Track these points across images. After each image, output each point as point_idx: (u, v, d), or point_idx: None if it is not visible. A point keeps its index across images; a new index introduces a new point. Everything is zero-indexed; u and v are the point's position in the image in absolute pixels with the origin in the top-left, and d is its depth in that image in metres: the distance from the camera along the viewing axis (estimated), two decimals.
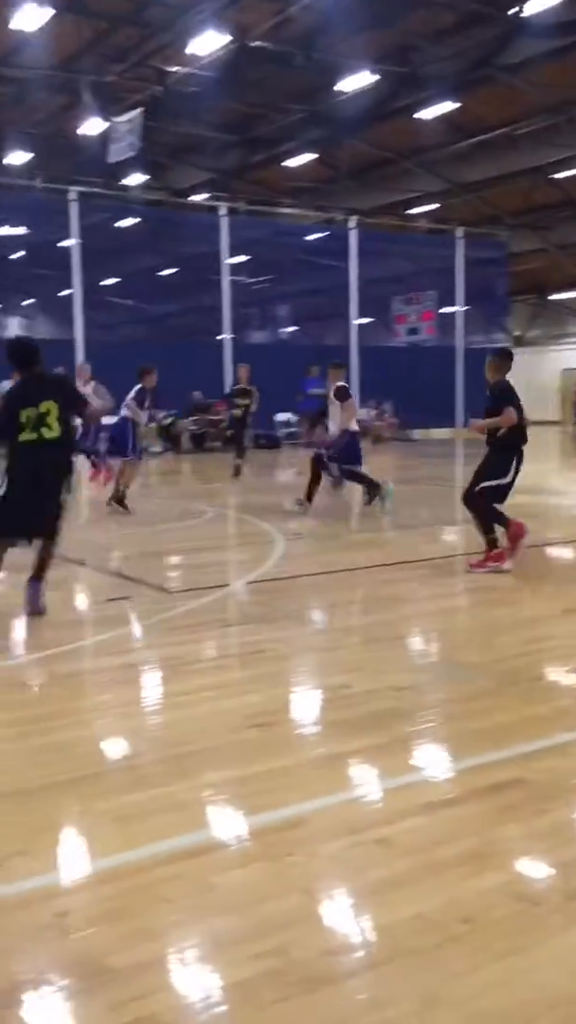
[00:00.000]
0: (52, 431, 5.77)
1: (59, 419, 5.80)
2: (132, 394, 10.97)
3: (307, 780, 3.41)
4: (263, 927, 2.45)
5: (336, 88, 21.45)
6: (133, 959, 2.33)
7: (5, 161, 23.84)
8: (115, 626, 5.78)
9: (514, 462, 7.02)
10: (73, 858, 2.88)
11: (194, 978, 2.26)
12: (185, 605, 6.17)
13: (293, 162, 26.75)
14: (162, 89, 20.91)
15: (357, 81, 20.94)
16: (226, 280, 24.61)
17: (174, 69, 20.55)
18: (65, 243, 23.28)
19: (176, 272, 31.04)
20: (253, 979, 2.23)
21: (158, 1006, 2.16)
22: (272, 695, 4.46)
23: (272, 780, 3.39)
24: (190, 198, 28.28)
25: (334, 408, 10.60)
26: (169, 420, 22.04)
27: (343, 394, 10.62)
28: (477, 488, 7.03)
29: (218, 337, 24.89)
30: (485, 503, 7.05)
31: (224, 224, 24.30)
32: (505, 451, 7.02)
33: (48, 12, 17.19)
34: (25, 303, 39.65)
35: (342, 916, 2.54)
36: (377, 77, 20.74)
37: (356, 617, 6.21)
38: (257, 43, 19.68)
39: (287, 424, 23.74)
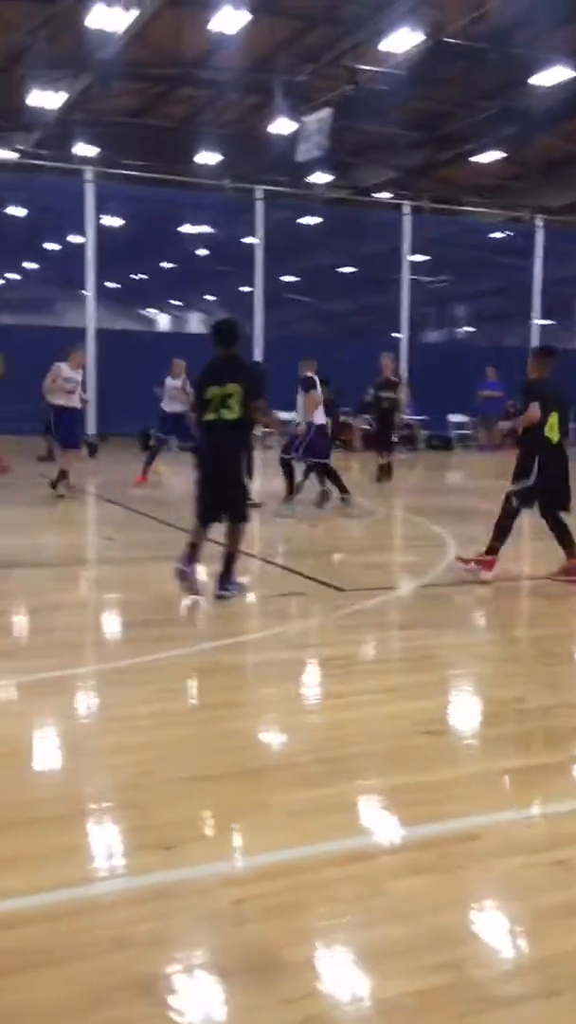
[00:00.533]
0: (232, 412, 5.92)
1: (241, 403, 5.92)
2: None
3: (479, 793, 3.35)
4: (437, 939, 2.42)
5: (530, 83, 20.90)
6: (306, 955, 2.36)
7: (196, 160, 24.55)
8: (287, 621, 5.87)
9: (536, 464, 6.59)
10: (249, 848, 2.94)
11: (366, 983, 2.26)
12: (356, 605, 6.19)
13: (480, 159, 26.26)
14: (352, 88, 20.97)
15: (553, 76, 20.32)
16: (406, 278, 24.48)
17: (366, 68, 20.57)
18: (248, 240, 23.80)
19: (355, 270, 31.13)
20: (429, 991, 2.21)
21: (329, 1006, 2.17)
22: (442, 702, 4.41)
23: (443, 790, 3.35)
24: (373, 196, 28.28)
25: (299, 399, 10.43)
26: (343, 418, 22.12)
27: (307, 384, 10.32)
28: (507, 492, 6.76)
29: (394, 335, 24.79)
30: (509, 507, 6.71)
31: (407, 222, 24.18)
32: (527, 452, 6.69)
33: (246, 15, 17.56)
34: (206, 298, 40.83)
35: (518, 937, 2.48)
36: (573, 72, 20.06)
37: (531, 628, 6.05)
38: (450, 39, 19.43)
39: (460, 426, 23.36)
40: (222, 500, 6.09)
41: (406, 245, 24.21)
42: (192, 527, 6.14)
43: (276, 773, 3.51)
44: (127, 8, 16.18)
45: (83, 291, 22.31)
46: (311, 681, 4.75)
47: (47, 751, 3.78)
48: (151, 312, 45.85)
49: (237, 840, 3.00)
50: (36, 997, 2.16)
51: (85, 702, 4.40)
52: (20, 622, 5.99)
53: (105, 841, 2.97)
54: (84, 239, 21.77)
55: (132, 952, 2.34)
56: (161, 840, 2.92)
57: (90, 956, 2.32)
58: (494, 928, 2.52)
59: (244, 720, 4.10)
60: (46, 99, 20.14)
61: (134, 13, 16.45)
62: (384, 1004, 2.18)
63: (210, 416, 5.95)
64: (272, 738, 3.97)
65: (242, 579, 6.26)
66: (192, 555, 6.02)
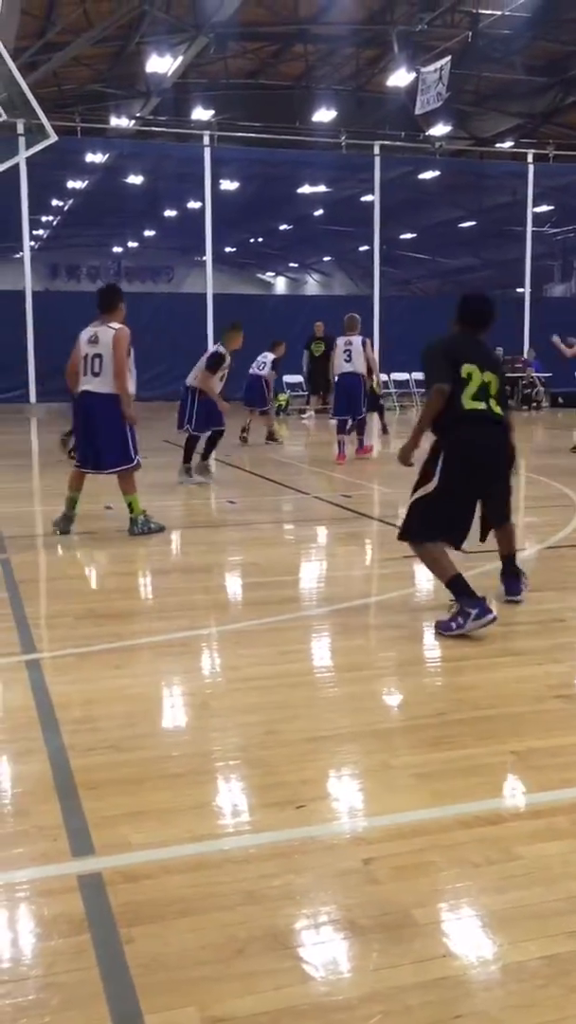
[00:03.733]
0: (498, 408, 4.86)
1: (498, 398, 4.89)
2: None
3: None
4: (571, 904, 2.37)
5: None
6: (438, 916, 2.35)
7: (312, 119, 24.27)
8: (410, 582, 5.81)
9: None
10: (376, 808, 2.93)
11: (500, 945, 2.23)
12: (481, 567, 6.07)
13: None
14: (472, 34, 20.28)
15: None
16: (529, 231, 23.70)
17: (486, 12, 19.85)
18: (366, 199, 23.44)
19: (475, 224, 30.32)
20: (565, 956, 2.16)
21: (463, 968, 2.15)
22: (574, 666, 4.29)
23: None
24: (495, 146, 27.39)
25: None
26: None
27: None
28: None
29: (518, 290, 24.10)
30: None
31: (530, 172, 23.35)
32: None
33: None
34: (323, 259, 40.55)
35: None
36: None
37: None
38: None
39: None
40: (497, 514, 5.27)
41: (530, 195, 23.40)
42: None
43: (403, 735, 3.49)
44: None
45: (201, 257, 22.50)
46: (442, 644, 4.69)
47: (177, 709, 3.86)
48: (269, 275, 45.90)
49: (365, 800, 3.00)
50: (172, 946, 2.21)
51: (212, 663, 4.47)
52: (147, 583, 6.12)
53: (235, 797, 3.02)
54: (202, 204, 21.90)
55: (265, 906, 2.38)
56: (290, 798, 2.94)
57: (224, 908, 2.37)
58: None
59: (369, 682, 4.09)
60: (163, 65, 20.25)
61: None
62: (517, 968, 2.15)
63: (476, 405, 4.80)
64: (398, 700, 3.95)
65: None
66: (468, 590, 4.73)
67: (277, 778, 3.11)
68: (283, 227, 34.05)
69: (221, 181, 22.89)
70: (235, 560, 6.77)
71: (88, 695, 3.87)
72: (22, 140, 18.19)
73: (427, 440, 4.95)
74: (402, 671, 4.27)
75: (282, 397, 20.99)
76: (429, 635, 4.79)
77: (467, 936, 2.28)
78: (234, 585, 6.15)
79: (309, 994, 2.06)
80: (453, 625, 4.64)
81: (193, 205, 23.97)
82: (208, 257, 22.08)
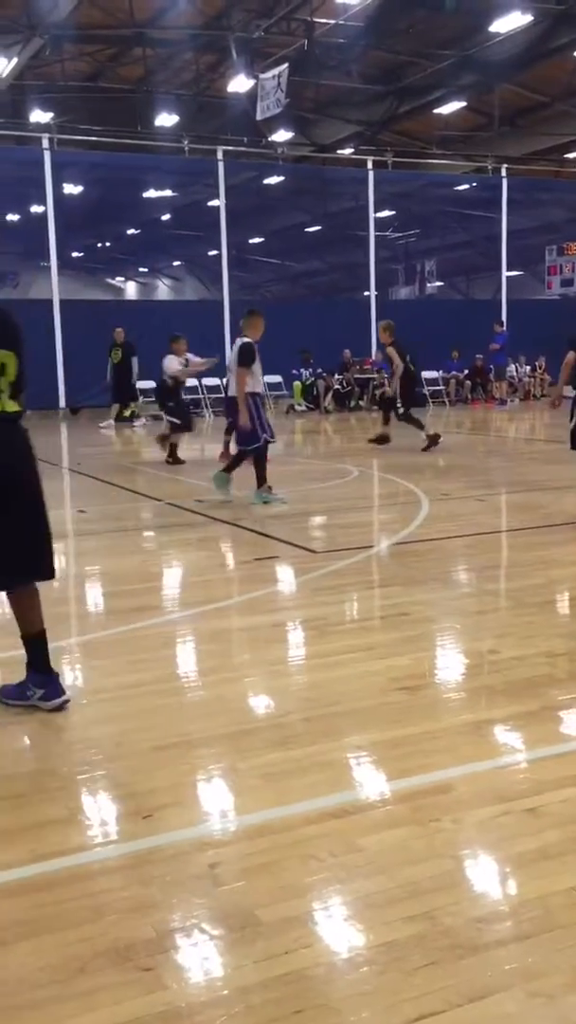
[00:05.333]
0: (12, 403, 3.81)
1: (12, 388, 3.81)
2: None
3: (455, 745, 3.37)
4: (411, 891, 2.45)
5: (489, 30, 20.65)
6: (282, 914, 2.38)
7: (155, 123, 24.16)
8: (262, 585, 5.87)
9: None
10: (223, 811, 2.95)
11: (342, 936, 2.29)
12: (331, 566, 6.20)
13: (443, 110, 26.01)
14: (308, 42, 20.64)
15: (511, 22, 20.12)
16: (372, 235, 24.31)
17: (321, 20, 20.24)
18: (212, 203, 23.50)
19: (321, 229, 30.88)
20: (401, 941, 2.24)
21: (306, 962, 2.20)
22: (418, 658, 4.43)
23: (419, 744, 3.38)
24: (336, 152, 27.96)
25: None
26: (311, 380, 22.06)
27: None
28: None
29: (364, 293, 24.67)
30: None
31: (371, 178, 23.95)
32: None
33: None
34: (173, 264, 40.40)
35: (491, 885, 2.51)
36: (531, 17, 19.84)
37: (504, 581, 6.08)
38: None
39: (434, 382, 23.33)
40: None
41: (371, 200, 24.00)
42: None
43: (251, 736, 3.53)
44: None
45: (46, 262, 22.01)
46: (289, 643, 4.76)
47: (23, 726, 3.76)
48: (118, 280, 45.36)
49: (212, 804, 3.01)
50: (11, 971, 2.17)
51: (65, 676, 4.38)
52: None
53: (82, 813, 2.98)
54: (44, 208, 21.43)
55: (110, 920, 2.36)
56: (138, 809, 2.93)
57: (68, 927, 2.34)
58: (468, 877, 2.55)
59: (220, 686, 4.11)
60: None
61: None
62: (356, 957, 2.20)
63: None
64: (247, 702, 3.98)
65: None
66: None
67: (126, 790, 3.09)
68: (131, 231, 33.76)
69: (64, 185, 22.46)
70: (83, 570, 6.67)
71: None
72: None
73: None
74: (252, 673, 4.31)
75: (133, 404, 20.77)
76: (279, 636, 4.86)
77: (311, 931, 2.32)
78: (85, 595, 6.06)
79: (152, 1004, 2.06)
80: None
81: (36, 209, 23.43)
82: (53, 263, 21.63)
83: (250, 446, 8.64)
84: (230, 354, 8.85)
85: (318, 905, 2.42)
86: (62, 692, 3.81)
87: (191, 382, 16.55)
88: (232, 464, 8.99)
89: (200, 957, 2.22)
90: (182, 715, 3.77)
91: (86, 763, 3.30)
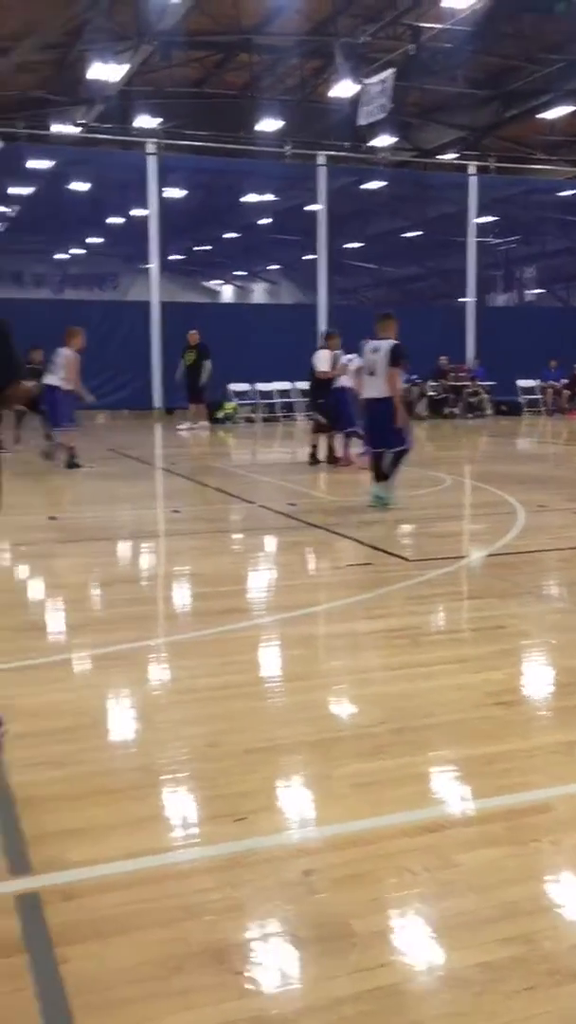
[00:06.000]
0: None
1: None
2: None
3: (553, 764, 3.30)
4: (508, 912, 2.40)
5: None
6: (376, 926, 2.36)
7: (257, 129, 24.35)
8: (354, 591, 5.85)
9: None
10: (316, 819, 2.94)
11: (436, 954, 2.26)
12: (424, 575, 6.14)
13: (548, 115, 25.52)
14: (415, 47, 20.52)
15: None
16: (472, 241, 24.04)
17: (428, 25, 20.10)
18: (311, 208, 23.57)
19: (420, 234, 30.66)
20: (498, 963, 2.19)
21: (400, 977, 2.17)
22: (514, 673, 4.36)
23: (515, 761, 3.31)
24: (438, 158, 27.74)
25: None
26: (405, 385, 21.91)
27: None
28: None
29: (461, 300, 24.41)
30: None
31: (473, 183, 23.71)
32: None
33: None
34: (270, 268, 40.65)
35: None
36: None
37: None
38: None
39: (529, 391, 22.95)
40: None
41: (472, 207, 23.75)
42: None
43: (343, 744, 3.51)
44: None
45: (146, 264, 22.41)
46: (382, 652, 4.72)
47: (118, 723, 3.83)
48: (215, 284, 45.86)
49: (305, 811, 3.01)
50: (109, 965, 2.20)
51: (155, 675, 4.45)
52: (90, 595, 6.07)
53: (175, 812, 3.01)
54: (147, 212, 21.82)
55: (204, 921, 2.37)
56: (230, 811, 2.94)
57: (162, 924, 2.36)
58: (568, 901, 2.48)
59: (311, 692, 4.10)
60: (107, 72, 20.13)
61: None
62: (452, 976, 2.17)
63: None
64: (339, 710, 3.97)
65: None
66: None
67: (217, 791, 3.10)
68: (229, 235, 34.07)
69: (166, 189, 22.84)
70: (180, 570, 6.75)
71: (28, 709, 3.82)
72: None
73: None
74: (343, 680, 4.29)
75: (229, 406, 21.01)
76: (370, 644, 4.83)
77: (405, 945, 2.30)
78: (178, 596, 6.13)
79: (247, 1008, 2.06)
80: None
81: (138, 213, 23.89)
82: (154, 265, 22.01)
83: (402, 447, 8.65)
84: (372, 356, 8.67)
85: (412, 920, 2.39)
86: None
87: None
88: (391, 472, 8.75)
89: (293, 964, 2.21)
90: (273, 719, 3.78)
91: (178, 763, 3.33)
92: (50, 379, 11.71)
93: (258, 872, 2.61)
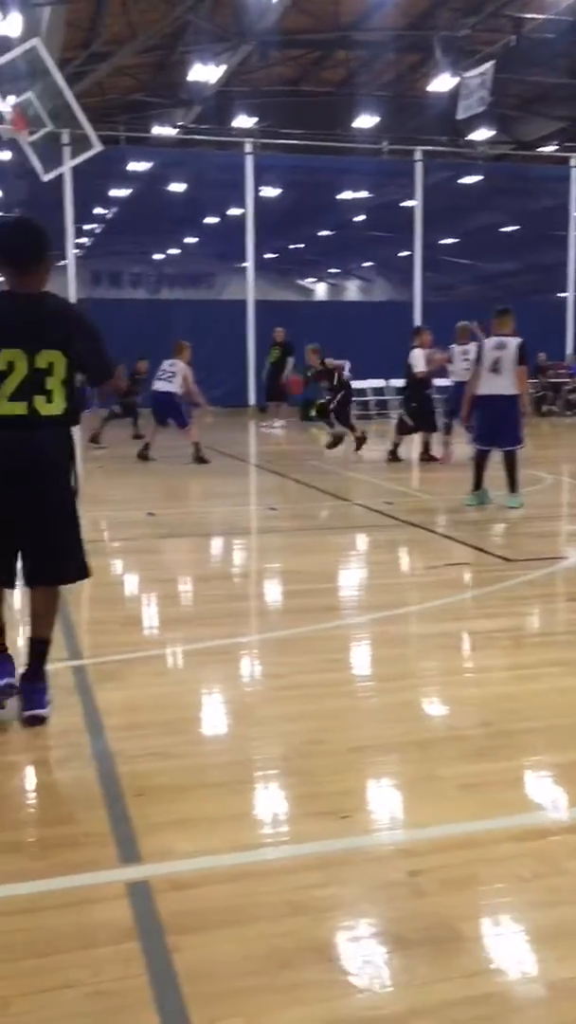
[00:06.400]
0: (49, 405, 3.58)
1: (57, 388, 3.61)
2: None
3: None
4: None
5: None
6: (485, 930, 2.33)
7: (353, 125, 24.31)
8: (453, 591, 5.78)
9: None
10: (422, 819, 2.92)
11: (547, 961, 2.21)
12: (525, 575, 6.03)
13: None
14: (515, 39, 20.18)
15: None
16: (573, 235, 23.52)
17: (530, 16, 19.74)
18: (407, 204, 23.40)
19: (518, 229, 30.09)
20: None
21: (510, 983, 2.14)
22: None
23: None
24: (538, 150, 27.21)
25: None
26: None
27: None
28: None
29: (560, 295, 23.90)
30: None
31: (574, 175, 23.16)
32: None
33: None
34: (363, 265, 40.51)
35: None
36: None
37: None
38: None
39: None
40: None
41: (574, 199, 23.21)
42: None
43: (447, 745, 3.48)
44: None
45: (242, 263, 22.59)
46: (484, 653, 4.66)
47: (220, 717, 3.87)
48: (308, 281, 45.96)
49: (410, 811, 2.98)
50: (218, 956, 2.22)
51: (255, 670, 4.48)
52: (189, 590, 6.16)
53: (278, 807, 3.03)
54: (243, 211, 21.99)
55: (310, 917, 2.38)
56: (334, 808, 2.94)
57: (269, 919, 2.37)
58: None
59: (412, 691, 4.08)
60: (205, 73, 20.37)
61: None
62: (564, 984, 2.13)
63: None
64: (442, 710, 3.94)
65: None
66: None
67: (320, 788, 3.11)
68: (323, 233, 34.06)
69: (262, 188, 22.98)
70: (277, 567, 6.79)
71: (132, 701, 3.90)
72: (67, 150, 18.40)
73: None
74: (445, 681, 4.25)
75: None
76: (471, 644, 4.77)
77: (514, 951, 2.26)
78: (276, 592, 6.16)
79: (356, 1007, 2.06)
80: None
81: (234, 212, 24.11)
82: (249, 264, 22.17)
83: (516, 446, 8.53)
84: (497, 353, 8.45)
85: (522, 926, 2.35)
86: None
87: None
88: (512, 475, 8.51)
89: (402, 965, 2.20)
90: (374, 718, 3.77)
91: (282, 759, 3.35)
92: (166, 387, 12.12)
93: (363, 871, 2.61)
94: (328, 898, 2.47)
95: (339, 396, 13.36)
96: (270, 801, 3.07)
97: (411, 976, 2.17)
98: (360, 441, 13.11)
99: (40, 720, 3.59)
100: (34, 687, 3.66)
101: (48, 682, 3.71)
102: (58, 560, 3.68)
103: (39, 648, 3.70)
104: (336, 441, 13.43)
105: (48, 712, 3.63)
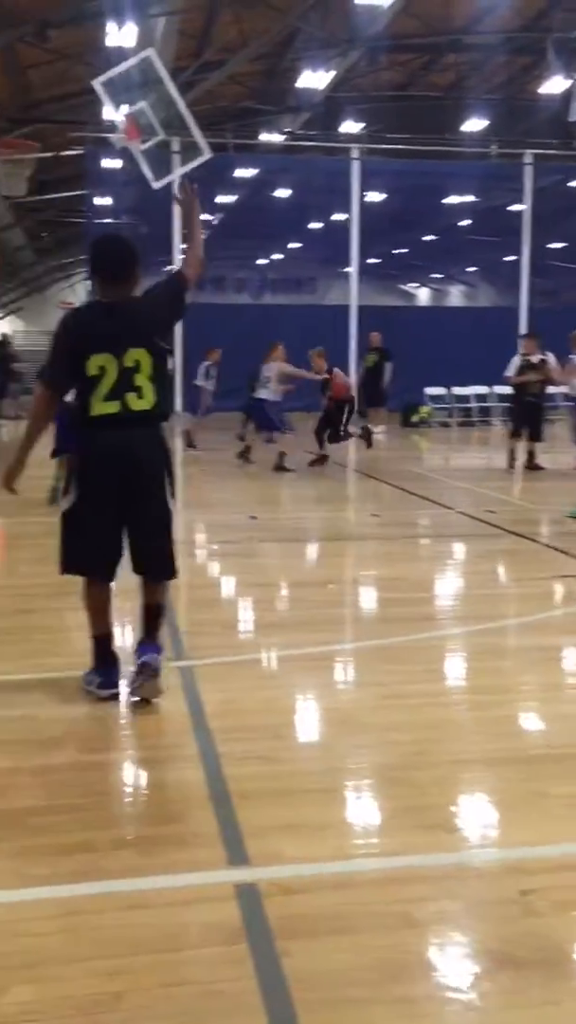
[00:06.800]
0: (140, 401, 3.83)
1: (147, 385, 3.87)
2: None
3: None
4: None
5: None
6: None
7: (461, 129, 24.04)
8: (562, 604, 5.67)
9: None
10: (536, 837, 2.86)
11: None
12: None
13: None
14: None
15: None
16: None
17: None
18: (514, 208, 23.03)
19: None
20: None
21: None
22: None
23: None
24: None
25: None
26: None
27: None
28: None
29: None
30: None
31: None
32: None
33: None
34: (468, 270, 40.03)
35: None
36: None
37: None
38: None
39: None
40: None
41: None
42: None
43: (552, 763, 3.40)
44: None
45: (344, 268, 22.59)
46: None
47: (326, 723, 3.88)
48: (411, 286, 45.66)
49: (518, 829, 2.93)
50: (328, 964, 2.22)
51: (356, 678, 4.47)
52: (292, 595, 6.18)
53: (387, 817, 3.01)
54: (347, 216, 21.99)
55: (419, 931, 2.36)
56: (443, 821, 2.91)
57: (377, 929, 2.36)
58: None
59: (513, 705, 4.01)
60: (314, 80, 20.44)
61: None
62: None
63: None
64: (548, 726, 3.85)
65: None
66: None
67: (427, 799, 3.08)
68: (428, 238, 33.79)
69: (367, 193, 22.94)
70: (379, 574, 6.76)
71: (238, 704, 3.94)
72: (176, 157, 18.75)
73: None
74: (550, 696, 4.16)
75: (424, 410, 20.89)
76: (574, 659, 4.66)
77: None
78: (375, 600, 6.14)
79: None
80: (84, 680, 3.98)
81: (338, 217, 24.10)
82: (353, 269, 22.16)
83: None
84: None
85: None
86: (113, 685, 3.91)
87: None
88: None
89: (516, 985, 2.16)
90: (480, 731, 3.71)
91: (388, 768, 3.33)
92: (260, 393, 12.19)
93: (473, 887, 2.57)
94: (437, 912, 2.44)
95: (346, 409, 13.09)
96: (375, 811, 3.06)
97: (522, 997, 2.13)
98: (320, 460, 12.47)
99: (150, 668, 3.79)
100: (148, 647, 3.87)
101: (160, 644, 3.93)
102: (152, 556, 3.91)
103: (153, 612, 3.94)
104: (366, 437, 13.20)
105: (158, 664, 3.82)
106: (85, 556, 3.88)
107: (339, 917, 2.41)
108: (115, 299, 3.85)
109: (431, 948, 2.29)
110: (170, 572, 3.98)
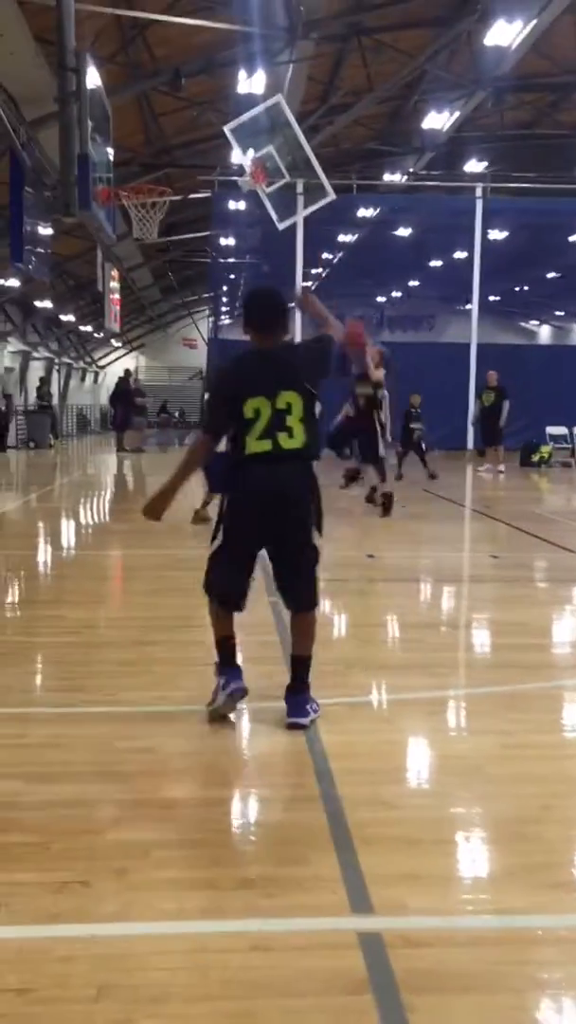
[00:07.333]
0: (291, 440, 4.03)
1: (297, 424, 4.10)
2: None
3: None
4: None
5: None
6: None
7: None
8: None
9: None
10: None
11: None
12: None
13: None
14: None
15: None
16: None
17: None
18: None
19: None
20: None
21: None
22: None
23: None
24: None
25: None
26: None
27: None
28: None
29: None
30: None
31: None
32: None
33: None
34: None
35: None
36: None
37: None
38: None
39: None
40: None
41: None
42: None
43: None
44: (527, 21, 15.99)
45: (465, 306, 22.48)
46: None
47: (449, 771, 3.79)
48: (532, 324, 45.06)
49: None
50: (452, 1022, 2.16)
51: (484, 725, 4.37)
52: (413, 636, 6.12)
53: (516, 873, 2.92)
54: (467, 254, 21.92)
55: (551, 995, 2.28)
56: (570, 880, 2.81)
57: (508, 991, 2.29)
58: None
59: None
60: (439, 121, 20.57)
61: (533, 24, 16.24)
62: None
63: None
64: None
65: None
66: None
67: (556, 857, 2.99)
68: (550, 275, 33.35)
69: (489, 231, 22.85)
70: (501, 618, 6.63)
71: (359, 747, 3.91)
72: (300, 199, 19.10)
73: None
74: None
75: (545, 449, 20.54)
76: None
77: None
78: (496, 644, 6.01)
79: None
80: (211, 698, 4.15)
81: (459, 255, 24.01)
82: (474, 306, 22.04)
83: None
84: None
85: None
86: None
87: None
88: None
89: None
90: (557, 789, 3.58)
91: (515, 821, 3.24)
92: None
93: (557, 951, 2.47)
94: (569, 978, 2.36)
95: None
96: (503, 866, 2.98)
97: None
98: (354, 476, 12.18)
99: (300, 727, 3.99)
100: (296, 699, 4.09)
101: (310, 695, 4.11)
102: (296, 586, 4.13)
103: (299, 664, 4.14)
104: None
105: (307, 722, 4.02)
106: (221, 584, 4.13)
107: (465, 975, 2.35)
108: (267, 346, 4.13)
109: (562, 1015, 2.21)
110: (308, 603, 4.15)
